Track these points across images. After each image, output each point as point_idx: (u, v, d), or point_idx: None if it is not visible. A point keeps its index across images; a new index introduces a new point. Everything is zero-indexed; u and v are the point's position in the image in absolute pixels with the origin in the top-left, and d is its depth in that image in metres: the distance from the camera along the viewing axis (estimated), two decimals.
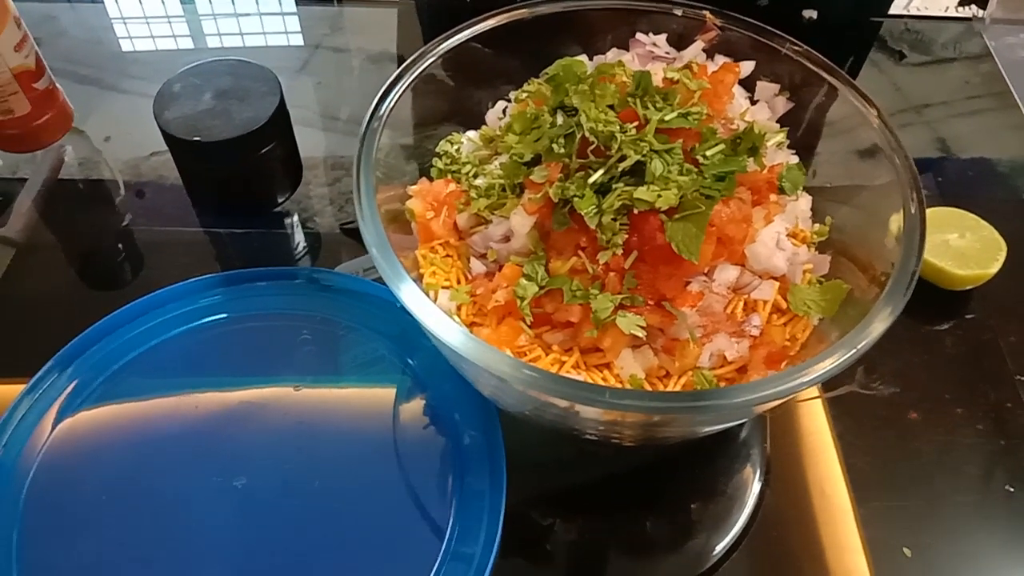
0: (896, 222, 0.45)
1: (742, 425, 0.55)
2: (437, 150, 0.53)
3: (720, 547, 0.50)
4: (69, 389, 0.53)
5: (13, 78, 0.60)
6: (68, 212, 0.69)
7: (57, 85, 0.67)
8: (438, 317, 0.41)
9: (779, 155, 0.50)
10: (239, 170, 0.61)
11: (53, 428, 0.51)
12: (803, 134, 0.53)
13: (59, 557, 0.46)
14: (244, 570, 0.46)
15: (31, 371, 0.54)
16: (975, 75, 0.80)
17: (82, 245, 0.67)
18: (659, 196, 0.41)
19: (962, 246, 0.59)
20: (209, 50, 0.84)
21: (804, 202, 0.50)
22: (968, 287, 0.59)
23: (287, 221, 0.67)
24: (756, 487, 0.53)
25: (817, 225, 0.51)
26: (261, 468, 0.49)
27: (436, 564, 0.46)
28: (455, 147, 0.52)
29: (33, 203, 0.68)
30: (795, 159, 0.51)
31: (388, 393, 0.53)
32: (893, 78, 0.80)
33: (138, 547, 0.47)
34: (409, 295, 0.41)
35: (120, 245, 0.66)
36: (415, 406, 0.53)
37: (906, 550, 0.50)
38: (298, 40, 0.85)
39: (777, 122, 0.53)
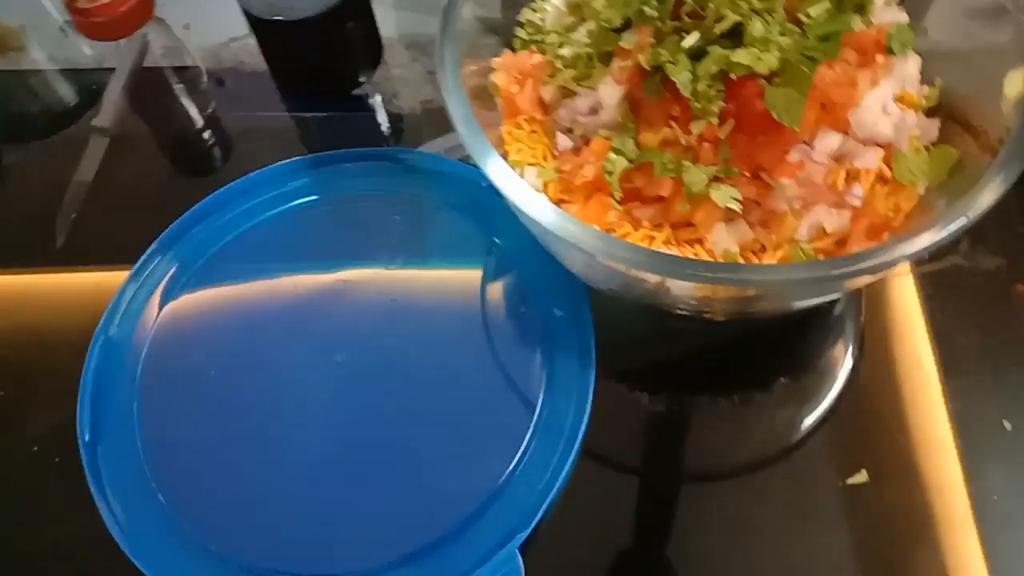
0: (1014, 86, 0.42)
1: (835, 300, 0.54)
2: (520, 19, 0.51)
3: (809, 420, 0.50)
4: (172, 271, 0.56)
5: None
6: (156, 100, 0.70)
7: None
8: (526, 193, 0.40)
9: (887, 13, 0.47)
10: (321, 48, 0.61)
11: (160, 309, 0.54)
12: None
13: (175, 425, 0.50)
14: (344, 440, 0.48)
15: (133, 255, 0.56)
16: None
17: (172, 132, 0.69)
18: (759, 59, 0.39)
19: None
20: None
21: (913, 64, 0.47)
22: None
23: (369, 102, 0.66)
24: (848, 361, 0.52)
25: (926, 88, 0.47)
26: (358, 344, 0.51)
27: (528, 436, 0.48)
28: (539, 15, 0.50)
29: (122, 92, 0.69)
30: (905, 17, 0.47)
31: (476, 271, 0.54)
32: None
33: (246, 418, 0.49)
34: (496, 171, 0.41)
35: (208, 131, 0.67)
36: (503, 284, 0.53)
37: (1006, 423, 0.49)
38: None
39: None
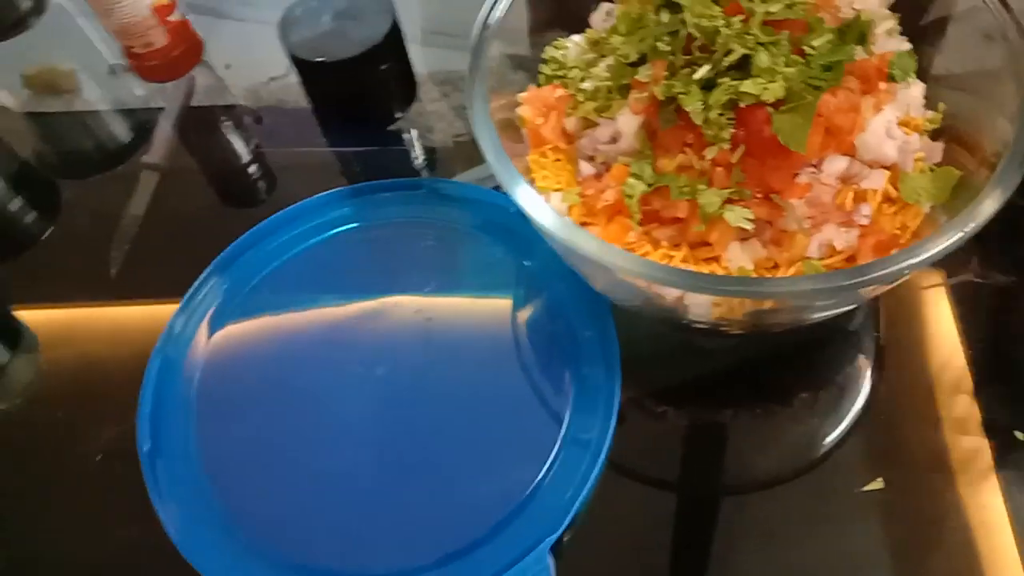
0: (1010, 103, 0.44)
1: (852, 316, 0.56)
2: (544, 56, 0.54)
3: (831, 433, 0.52)
4: (223, 295, 0.59)
5: (152, 12, 0.64)
6: (203, 137, 0.74)
7: (187, 16, 0.71)
8: (553, 216, 0.43)
9: (890, 42, 0.49)
10: (359, 86, 0.65)
11: (212, 329, 0.57)
12: (917, 20, 0.52)
13: (228, 436, 0.53)
14: (384, 449, 0.51)
15: (184, 283, 0.59)
16: None
17: (218, 167, 0.72)
18: (765, 88, 0.42)
19: None
20: None
21: (916, 89, 0.49)
22: None
23: (404, 136, 0.70)
24: (868, 375, 0.54)
25: (930, 113, 0.50)
26: (397, 360, 0.54)
27: (555, 449, 0.50)
28: (561, 52, 0.53)
29: (172, 130, 0.73)
30: (907, 46, 0.50)
31: (507, 292, 0.57)
32: None
33: (294, 429, 0.53)
34: (524, 197, 0.44)
35: (253, 166, 0.71)
36: (532, 304, 0.56)
37: (1018, 434, 0.50)
38: None
39: (889, 8, 0.51)
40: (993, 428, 0.50)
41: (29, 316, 0.65)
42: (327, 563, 0.47)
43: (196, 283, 0.59)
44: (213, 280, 0.60)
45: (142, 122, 0.75)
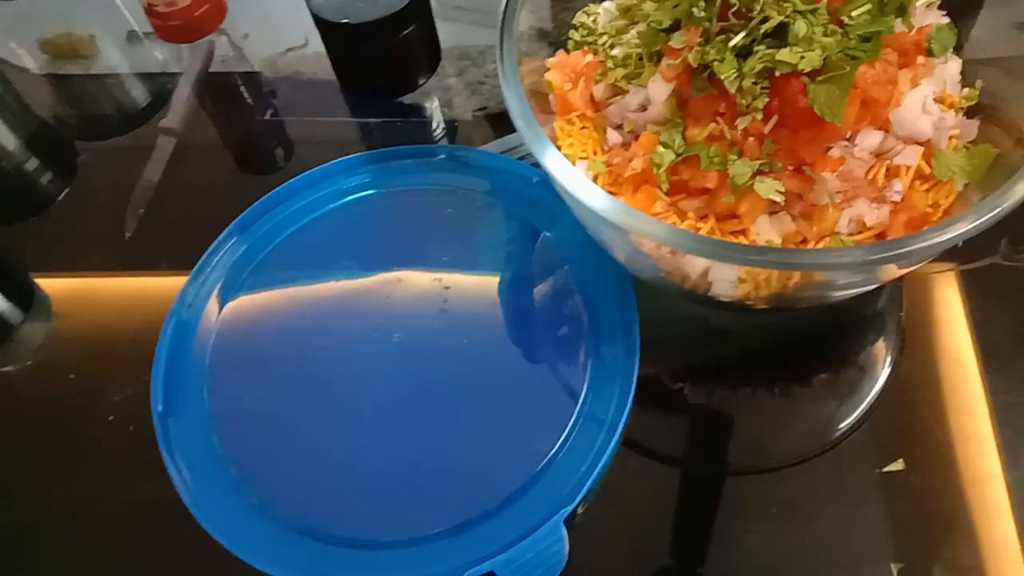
0: None
1: (876, 299, 0.55)
2: (574, 22, 0.53)
3: (850, 415, 0.51)
4: (240, 259, 0.58)
5: None
6: (219, 104, 0.74)
7: None
8: (580, 181, 0.42)
9: (929, 16, 0.48)
10: (384, 50, 0.64)
11: (229, 293, 0.57)
12: None
13: (242, 397, 0.52)
14: (398, 416, 0.51)
15: (199, 247, 0.59)
16: None
17: (236, 134, 0.72)
18: (802, 58, 0.41)
19: None
20: None
21: (953, 66, 0.48)
22: None
23: (424, 105, 0.69)
24: (889, 358, 0.53)
25: (967, 90, 0.49)
26: (414, 326, 0.54)
27: (570, 424, 0.49)
28: (592, 18, 0.53)
29: (190, 95, 0.72)
30: (946, 20, 0.49)
31: (526, 264, 0.56)
32: None
33: (308, 392, 0.52)
34: (552, 161, 0.43)
35: (269, 134, 0.70)
36: (552, 277, 0.55)
37: None
38: None
39: None
40: (1015, 410, 0.50)
41: (43, 280, 0.64)
42: (337, 528, 0.47)
43: (210, 248, 0.59)
44: (228, 244, 0.59)
45: (160, 86, 0.75)
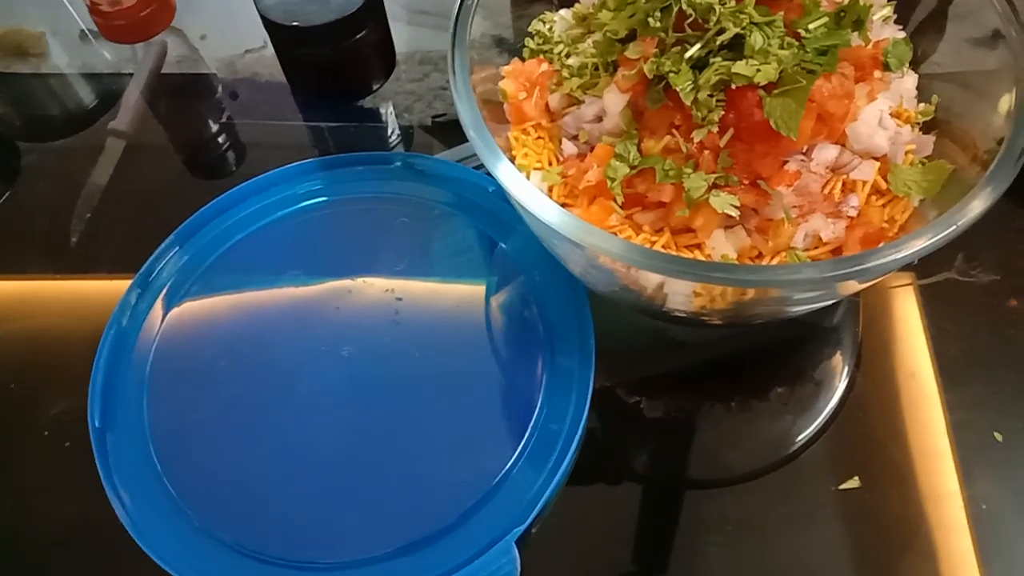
0: (1007, 102, 0.43)
1: (833, 312, 0.55)
2: (529, 29, 0.53)
3: (806, 430, 0.51)
4: (184, 267, 0.57)
5: None
6: (171, 106, 0.72)
7: None
8: (533, 194, 0.41)
9: (885, 30, 0.48)
10: (335, 54, 0.62)
11: (171, 303, 0.55)
12: (912, 12, 0.51)
13: (183, 414, 0.51)
14: (348, 432, 0.49)
15: (145, 253, 0.57)
16: None
17: (186, 137, 0.70)
18: (758, 71, 0.41)
19: None
20: None
21: (910, 80, 0.48)
22: None
23: (381, 112, 0.68)
24: (846, 372, 0.53)
25: (922, 105, 0.49)
26: (365, 339, 0.52)
27: (525, 438, 0.48)
28: (547, 26, 0.52)
29: (140, 97, 0.71)
30: (902, 34, 0.49)
31: (481, 275, 0.55)
32: None
33: (253, 408, 0.50)
34: (505, 173, 0.42)
35: (222, 137, 0.69)
36: (507, 288, 0.54)
37: (996, 434, 0.49)
38: None
39: None
40: (971, 427, 0.50)
41: None
42: (283, 550, 0.45)
43: (157, 251, 0.57)
44: (172, 252, 0.57)
45: (110, 87, 0.73)
